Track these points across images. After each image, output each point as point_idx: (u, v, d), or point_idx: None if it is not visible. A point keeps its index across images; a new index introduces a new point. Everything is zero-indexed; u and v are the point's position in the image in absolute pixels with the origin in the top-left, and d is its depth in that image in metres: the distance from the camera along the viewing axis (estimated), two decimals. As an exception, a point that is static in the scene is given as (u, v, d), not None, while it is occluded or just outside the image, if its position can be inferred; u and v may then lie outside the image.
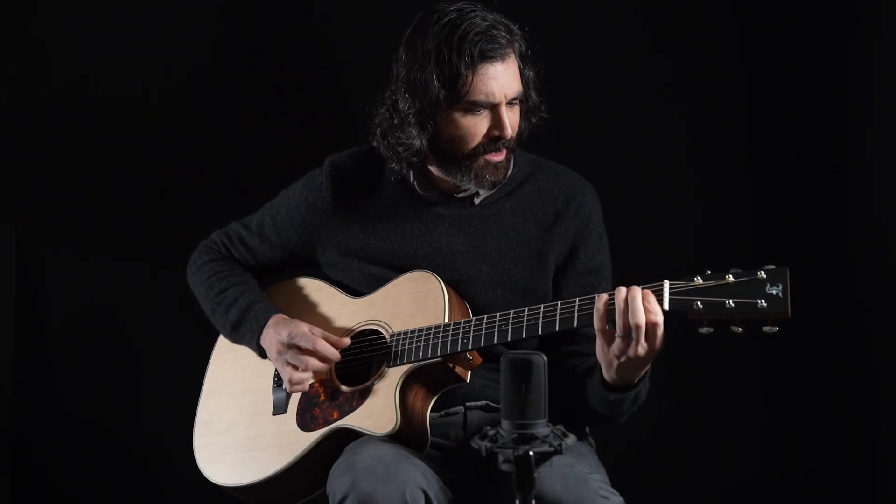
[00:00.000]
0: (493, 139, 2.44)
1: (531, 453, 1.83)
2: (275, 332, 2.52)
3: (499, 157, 2.46)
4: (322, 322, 2.56)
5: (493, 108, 2.42)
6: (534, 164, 2.59)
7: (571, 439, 1.88)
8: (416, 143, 2.46)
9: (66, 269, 3.65)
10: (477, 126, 2.44)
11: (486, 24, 2.40)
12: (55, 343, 3.67)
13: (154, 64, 3.63)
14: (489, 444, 1.87)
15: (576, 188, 2.56)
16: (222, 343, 2.69)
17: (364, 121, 2.57)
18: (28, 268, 3.65)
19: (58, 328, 3.68)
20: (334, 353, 2.47)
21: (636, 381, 2.30)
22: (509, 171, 2.52)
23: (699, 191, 3.60)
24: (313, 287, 2.64)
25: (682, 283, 2.19)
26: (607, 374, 2.29)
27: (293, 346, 2.48)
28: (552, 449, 1.85)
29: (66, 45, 3.62)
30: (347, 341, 2.50)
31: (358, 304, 2.55)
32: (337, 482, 2.30)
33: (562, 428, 1.88)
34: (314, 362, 2.46)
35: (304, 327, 2.49)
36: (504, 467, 1.86)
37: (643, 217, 3.50)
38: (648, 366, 2.28)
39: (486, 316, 2.38)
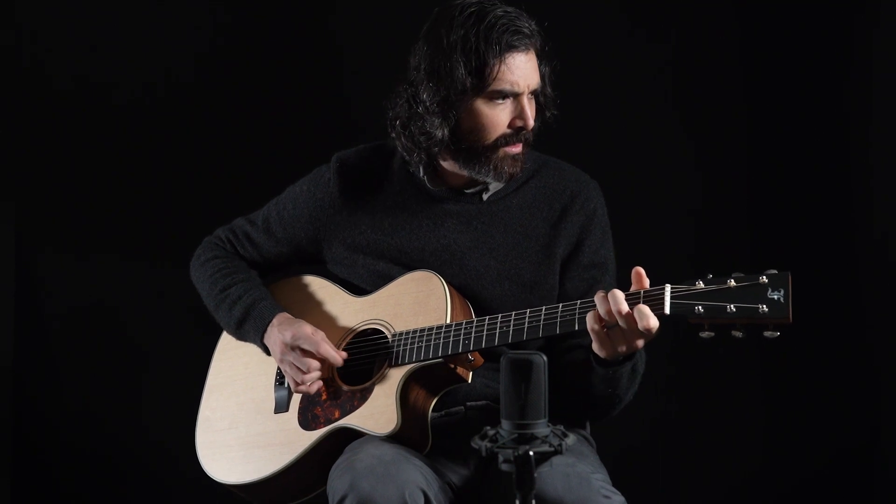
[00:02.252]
0: (516, 130, 2.46)
1: (531, 453, 1.83)
2: (279, 332, 2.52)
3: (517, 148, 2.47)
4: (324, 321, 2.57)
5: (516, 98, 2.44)
6: (539, 161, 2.60)
7: (571, 439, 1.88)
8: (439, 133, 2.46)
9: (66, 269, 3.66)
10: (499, 116, 2.45)
11: (512, 14, 2.43)
12: (55, 342, 3.68)
13: (155, 62, 3.63)
14: (489, 444, 1.87)
15: (581, 184, 2.57)
16: (225, 340, 2.70)
17: (367, 119, 2.59)
18: (28, 267, 3.65)
19: (58, 327, 3.68)
20: (337, 357, 2.48)
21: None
22: (524, 165, 2.53)
23: (700, 192, 3.61)
24: (316, 285, 2.64)
25: (683, 287, 2.19)
26: (602, 353, 2.29)
27: (296, 349, 2.49)
28: (552, 449, 1.85)
29: (68, 44, 3.62)
30: (345, 355, 2.51)
31: (360, 303, 2.55)
32: (337, 482, 2.30)
33: (562, 428, 1.89)
34: (317, 365, 2.47)
35: (308, 329, 2.49)
36: (504, 467, 1.86)
37: (645, 219, 3.50)
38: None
39: (487, 317, 2.38)
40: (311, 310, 2.60)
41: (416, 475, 2.28)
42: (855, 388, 3.49)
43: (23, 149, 3.63)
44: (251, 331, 2.58)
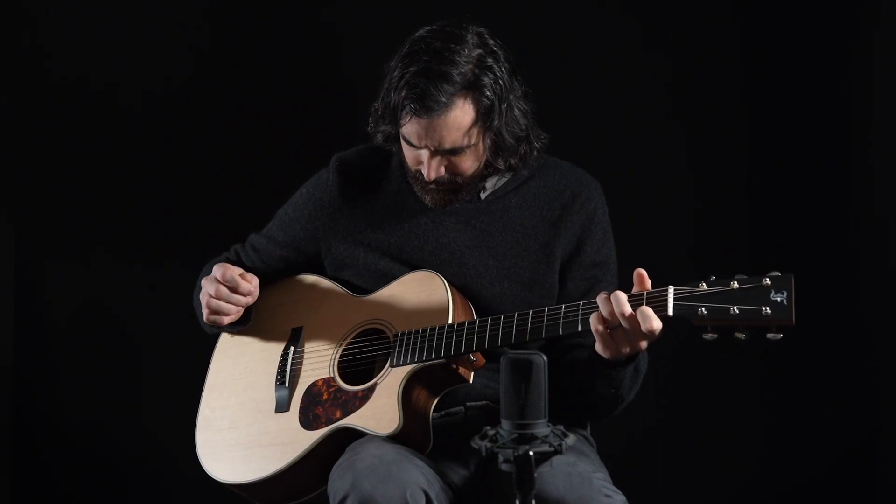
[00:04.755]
0: (418, 174, 2.47)
1: (531, 453, 1.83)
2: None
3: (436, 186, 2.48)
4: (326, 320, 2.57)
5: (422, 148, 2.44)
6: (539, 160, 2.59)
7: (571, 439, 1.88)
8: (381, 143, 2.53)
9: (66, 269, 3.65)
10: (409, 155, 2.47)
11: (433, 73, 2.36)
12: (55, 342, 3.68)
13: (156, 65, 3.63)
14: (489, 444, 1.87)
15: (582, 184, 2.57)
16: (225, 340, 2.69)
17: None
18: (28, 267, 3.65)
19: (58, 327, 3.68)
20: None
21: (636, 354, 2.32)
22: (459, 200, 2.52)
23: (700, 192, 3.61)
24: (318, 284, 2.64)
25: (686, 288, 2.19)
26: (605, 354, 2.29)
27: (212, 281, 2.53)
28: (552, 449, 1.85)
29: (67, 44, 3.62)
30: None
31: (362, 302, 2.55)
32: (338, 482, 2.31)
33: (562, 428, 1.89)
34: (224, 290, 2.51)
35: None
36: (504, 467, 1.86)
37: (644, 219, 3.50)
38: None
39: (489, 317, 2.38)
40: (312, 309, 2.60)
41: (417, 475, 2.29)
42: (855, 388, 3.49)
43: (23, 149, 3.63)
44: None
